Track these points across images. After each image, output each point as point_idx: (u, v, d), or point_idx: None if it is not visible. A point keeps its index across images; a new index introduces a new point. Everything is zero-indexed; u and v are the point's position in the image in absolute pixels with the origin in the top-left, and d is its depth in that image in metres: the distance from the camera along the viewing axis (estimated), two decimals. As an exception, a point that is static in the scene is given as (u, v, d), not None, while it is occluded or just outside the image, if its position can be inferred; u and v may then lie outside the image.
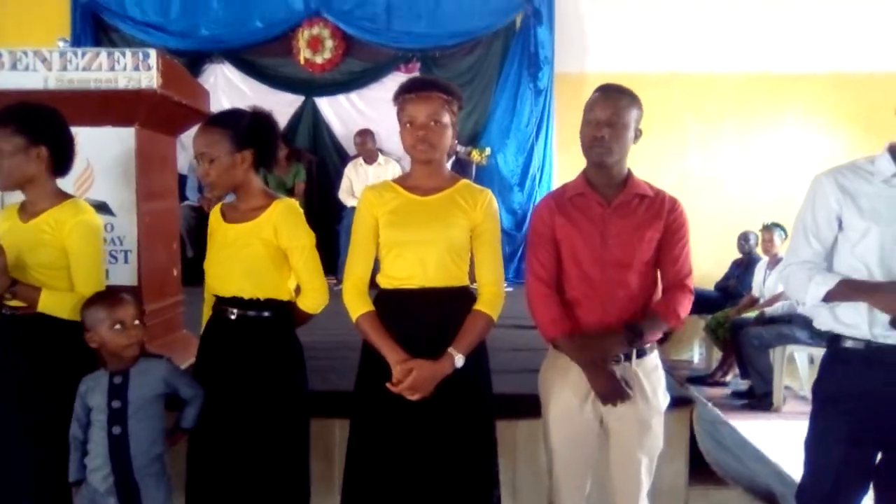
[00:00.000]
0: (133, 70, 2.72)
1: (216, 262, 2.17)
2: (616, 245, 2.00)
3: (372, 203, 2.11)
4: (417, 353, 2.00)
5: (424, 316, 2.05)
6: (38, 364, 2.12)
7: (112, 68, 2.72)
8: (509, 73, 6.36)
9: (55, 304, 2.11)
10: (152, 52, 2.74)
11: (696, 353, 6.53)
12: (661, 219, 2.03)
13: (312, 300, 2.21)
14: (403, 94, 2.05)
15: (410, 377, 1.96)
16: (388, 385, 1.99)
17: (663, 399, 2.07)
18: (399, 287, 2.07)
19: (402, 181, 2.16)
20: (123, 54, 2.73)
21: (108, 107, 2.76)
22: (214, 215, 2.24)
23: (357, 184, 6.01)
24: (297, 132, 6.52)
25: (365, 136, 6.11)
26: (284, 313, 2.19)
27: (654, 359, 2.07)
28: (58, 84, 2.73)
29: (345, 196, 6.06)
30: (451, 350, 2.00)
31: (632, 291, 2.01)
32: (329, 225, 5.72)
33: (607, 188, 2.05)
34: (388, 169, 6.13)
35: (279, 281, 2.16)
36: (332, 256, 4.98)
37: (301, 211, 2.21)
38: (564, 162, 6.35)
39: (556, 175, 6.34)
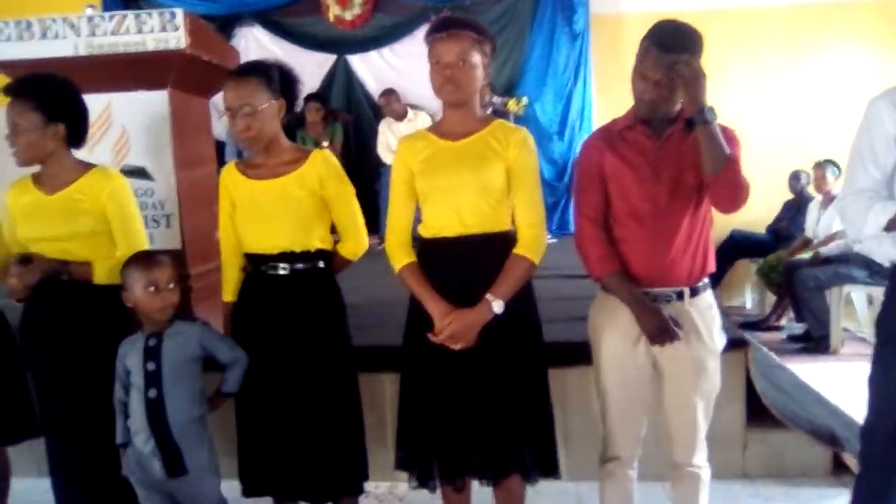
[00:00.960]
0: (160, 31, 2.69)
1: (253, 220, 2.13)
2: (668, 178, 1.91)
3: (405, 154, 2.06)
4: (460, 303, 1.95)
5: (463, 264, 1.99)
6: (89, 327, 2.14)
7: (140, 31, 2.70)
8: (543, 17, 6.17)
9: (109, 271, 2.13)
10: (179, 12, 2.70)
11: (749, 299, 6.36)
12: None
13: (355, 245, 2.21)
14: (433, 34, 1.97)
15: (449, 327, 1.93)
16: (429, 336, 1.96)
17: (719, 339, 1.99)
18: (437, 236, 2.02)
19: (436, 128, 2.10)
20: (150, 16, 2.70)
21: (138, 70, 2.74)
22: (230, 175, 2.18)
23: (393, 141, 5.95)
24: (331, 92, 6.45)
25: (389, 97, 6.02)
26: (330, 263, 2.18)
27: (707, 297, 1.98)
28: (88, 50, 2.73)
29: (383, 152, 6.00)
30: (488, 296, 1.95)
31: (683, 228, 1.92)
32: (368, 183, 5.68)
33: (657, 121, 1.95)
34: (418, 122, 6.06)
35: (325, 231, 2.16)
36: (373, 215, 4.95)
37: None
38: (604, 107, 6.17)
39: (595, 121, 6.16)
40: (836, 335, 4.89)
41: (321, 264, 2.15)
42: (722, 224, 4.17)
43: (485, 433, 2.01)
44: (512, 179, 2.01)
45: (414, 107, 6.09)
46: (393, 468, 2.14)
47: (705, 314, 1.96)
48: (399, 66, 6.32)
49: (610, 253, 1.96)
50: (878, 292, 4.86)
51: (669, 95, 1.88)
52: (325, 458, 2.12)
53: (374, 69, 6.41)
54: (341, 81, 6.47)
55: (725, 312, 4.51)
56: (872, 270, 4.70)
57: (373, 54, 6.40)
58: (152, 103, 2.80)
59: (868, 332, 5.02)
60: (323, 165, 2.12)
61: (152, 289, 1.98)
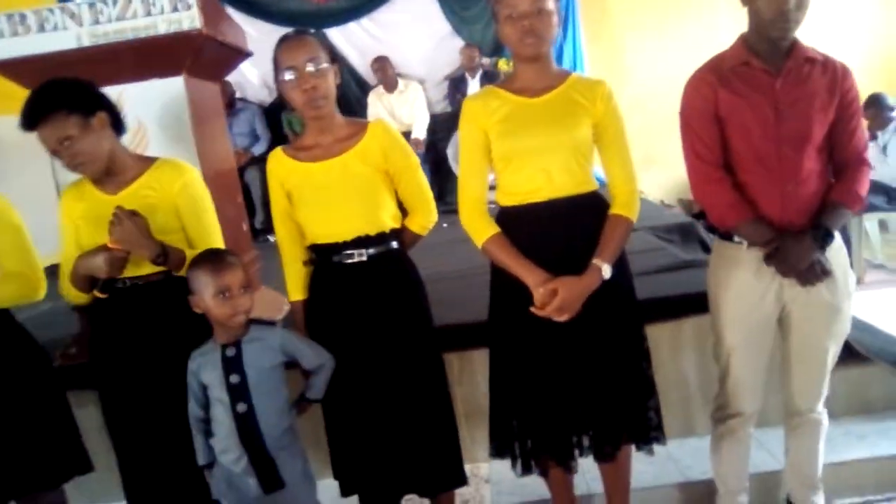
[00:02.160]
0: (172, 12, 2.46)
1: (317, 207, 1.93)
2: (792, 117, 1.77)
3: (477, 114, 1.89)
4: (552, 271, 1.82)
5: (555, 230, 1.86)
6: (183, 331, 1.92)
7: (148, 13, 2.46)
8: (526, -29, 5.96)
9: None
10: (191, -10, 2.46)
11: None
12: (836, 86, 1.80)
13: (425, 218, 2.04)
14: None
15: (558, 298, 1.79)
16: (532, 310, 1.82)
17: (851, 280, 1.88)
18: (523, 202, 1.87)
19: (508, 85, 1.92)
20: (159, -4, 2.46)
21: (150, 57, 2.50)
22: (280, 163, 1.97)
23: (383, 113, 5.74)
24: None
25: (382, 62, 5.80)
26: (401, 242, 2.02)
27: (837, 238, 1.87)
28: (92, 40, 2.48)
29: (374, 126, 5.78)
30: (596, 261, 1.82)
31: (810, 172, 1.79)
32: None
33: (773, 54, 1.80)
34: (409, 94, 5.88)
35: (395, 207, 1.99)
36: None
37: None
38: (597, 58, 6.03)
39: (589, 73, 6.01)
40: (859, 265, 4.86)
41: (395, 245, 1.98)
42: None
43: (594, 406, 1.89)
44: (601, 135, 1.88)
45: (403, 76, 5.88)
46: (489, 456, 2.02)
47: (838, 255, 1.86)
48: (381, 37, 6.07)
49: (739, 198, 1.83)
50: (891, 217, 4.87)
51: (801, 19, 1.73)
52: (427, 448, 1.98)
53: (355, 42, 6.13)
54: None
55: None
56: (890, 197, 4.68)
57: (352, 26, 6.12)
58: (168, 91, 2.57)
59: (882, 257, 5.01)
60: (385, 136, 1.94)
61: (224, 295, 1.78)
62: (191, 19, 2.45)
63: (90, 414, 2.22)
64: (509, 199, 1.91)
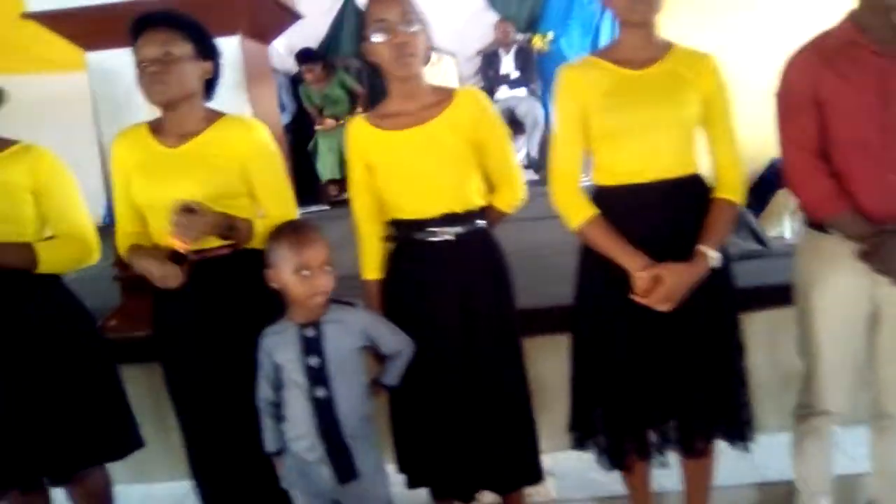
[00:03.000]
0: (230, -33, 2.30)
1: (402, 179, 1.79)
2: None
3: (577, 86, 1.76)
4: (652, 257, 1.70)
5: (659, 213, 1.73)
6: (252, 308, 1.80)
7: (207, -33, 2.29)
8: (566, -56, 5.76)
9: (266, 233, 1.76)
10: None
11: (788, 228, 6.20)
12: None
13: (513, 195, 1.88)
14: None
15: (663, 286, 1.67)
16: (632, 297, 1.70)
17: None
18: (625, 182, 1.75)
19: (608, 54, 1.78)
20: (218, -51, 2.30)
21: (209, 13, 2.32)
22: (361, 131, 1.82)
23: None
24: (339, 40, 6.01)
25: None
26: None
27: None
28: (149, -7, 2.32)
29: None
30: (702, 248, 1.70)
31: None
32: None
33: (885, 30, 1.66)
34: (442, 66, 5.72)
35: (481, 182, 1.84)
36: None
37: None
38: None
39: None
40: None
41: (481, 223, 1.84)
42: (761, 153, 3.93)
43: (686, 397, 1.79)
44: (708, 112, 1.75)
45: (434, 50, 5.70)
46: (570, 447, 1.92)
47: None
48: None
49: (836, 188, 1.71)
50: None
51: None
52: (506, 441, 1.86)
53: (387, 12, 5.95)
54: (350, 27, 6.01)
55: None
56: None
57: (384, -5, 5.94)
58: (224, 52, 2.42)
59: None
60: (475, 104, 1.80)
61: (304, 272, 1.63)
62: (250, -24, 2.30)
63: (133, 390, 2.09)
64: (609, 179, 1.78)
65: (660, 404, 1.80)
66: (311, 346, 1.68)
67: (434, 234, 1.79)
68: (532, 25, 5.85)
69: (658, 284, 1.68)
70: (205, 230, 1.67)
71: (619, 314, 1.76)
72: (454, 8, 5.87)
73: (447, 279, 1.80)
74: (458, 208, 1.78)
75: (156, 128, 1.82)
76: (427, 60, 1.81)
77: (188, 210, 1.63)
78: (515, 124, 5.39)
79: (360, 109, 5.70)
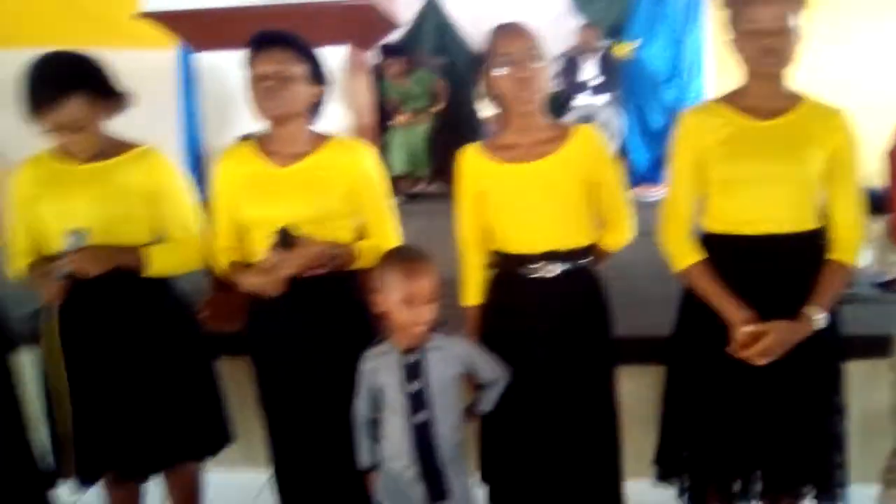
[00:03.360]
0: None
1: (512, 213, 1.81)
2: None
3: (695, 132, 1.76)
4: (756, 310, 1.68)
5: (769, 268, 1.71)
6: (348, 329, 1.86)
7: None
8: (655, -46, 5.67)
9: (368, 254, 1.84)
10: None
11: (869, 256, 6.01)
12: None
13: (621, 235, 1.91)
14: None
15: (764, 342, 1.65)
16: (729, 351, 1.69)
17: None
18: (733, 233, 1.73)
19: (734, 100, 1.76)
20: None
21: (320, 22, 2.39)
22: (475, 160, 1.84)
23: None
24: (419, 39, 6.02)
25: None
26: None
27: None
28: (266, -1, 2.38)
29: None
30: (810, 310, 1.68)
31: None
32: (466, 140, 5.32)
33: None
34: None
35: (589, 222, 1.85)
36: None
37: None
38: (721, 53, 5.72)
39: (710, 70, 5.72)
40: None
41: (585, 261, 1.85)
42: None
43: (777, 449, 1.77)
44: (833, 170, 1.70)
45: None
46: (655, 478, 1.94)
47: None
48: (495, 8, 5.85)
49: None
50: None
51: None
52: (592, 469, 1.88)
53: (471, 9, 5.91)
54: (432, 26, 6.02)
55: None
56: None
57: (466, -5, 5.92)
58: (331, 61, 2.46)
59: None
60: (591, 143, 1.81)
61: (411, 303, 1.66)
62: (364, -9, 2.33)
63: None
64: (719, 226, 1.77)
65: (748, 455, 1.78)
66: (413, 372, 1.71)
67: (536, 270, 1.80)
68: (616, 32, 5.77)
69: (758, 340, 1.66)
70: (304, 264, 1.74)
71: (716, 361, 1.74)
72: (534, 11, 5.81)
73: (547, 314, 1.82)
74: (563, 246, 1.79)
75: (264, 147, 1.87)
76: (547, 95, 1.81)
77: (289, 242, 1.71)
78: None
79: (437, 107, 5.74)
